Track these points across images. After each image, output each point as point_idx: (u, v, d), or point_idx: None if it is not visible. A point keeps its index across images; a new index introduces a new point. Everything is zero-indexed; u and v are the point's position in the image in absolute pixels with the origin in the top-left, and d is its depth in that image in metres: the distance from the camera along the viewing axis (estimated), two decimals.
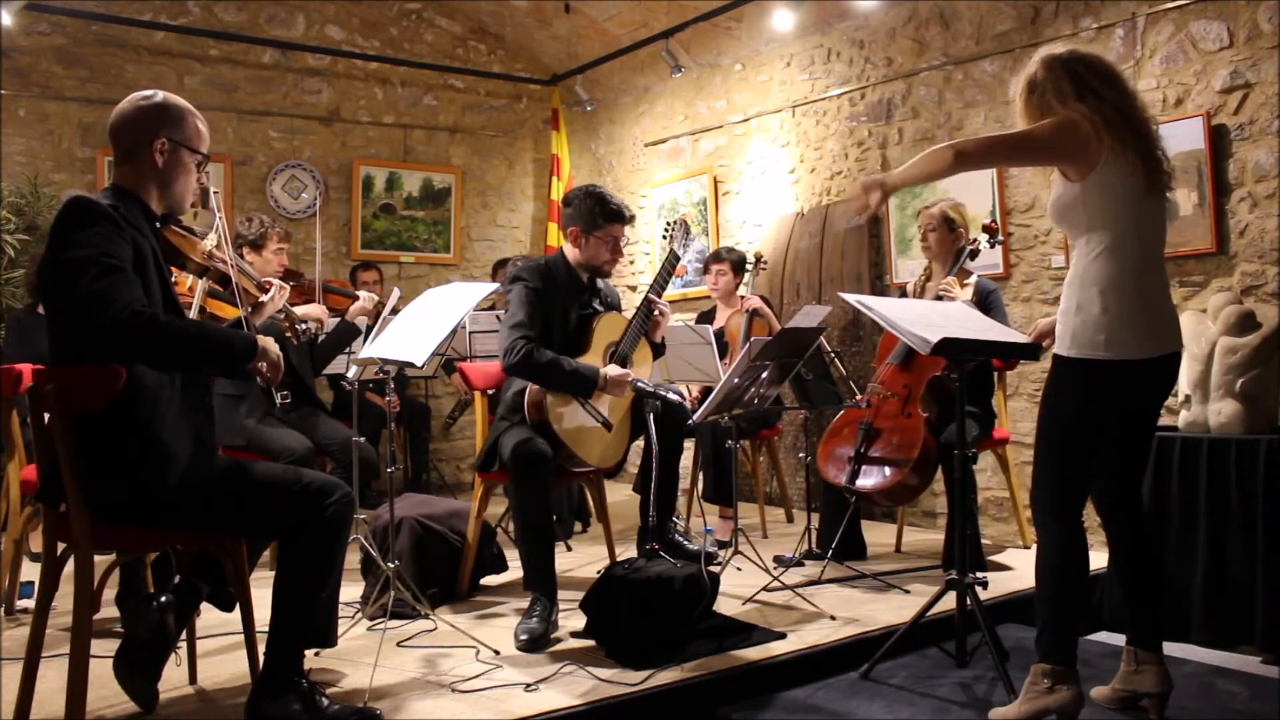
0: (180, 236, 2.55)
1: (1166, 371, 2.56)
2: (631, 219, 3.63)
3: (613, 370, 3.42)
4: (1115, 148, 2.44)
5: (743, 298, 4.97)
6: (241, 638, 2.60)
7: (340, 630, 2.82)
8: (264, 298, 3.20)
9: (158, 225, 2.47)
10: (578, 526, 5.02)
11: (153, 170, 2.41)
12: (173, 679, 2.70)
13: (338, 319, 4.48)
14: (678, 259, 3.71)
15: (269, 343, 2.40)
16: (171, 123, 2.43)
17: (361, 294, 4.45)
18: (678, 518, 3.80)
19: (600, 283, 3.71)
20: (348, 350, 4.45)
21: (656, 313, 3.63)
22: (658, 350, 3.81)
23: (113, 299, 2.14)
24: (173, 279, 2.53)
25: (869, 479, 3.90)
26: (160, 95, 2.47)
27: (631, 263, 7.11)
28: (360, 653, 2.95)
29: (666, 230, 3.80)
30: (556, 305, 3.50)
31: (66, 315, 2.25)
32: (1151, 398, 2.60)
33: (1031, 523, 4.46)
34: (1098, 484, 2.68)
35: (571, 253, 3.60)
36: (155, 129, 2.41)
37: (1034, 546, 4.34)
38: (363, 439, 4.02)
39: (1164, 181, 2.53)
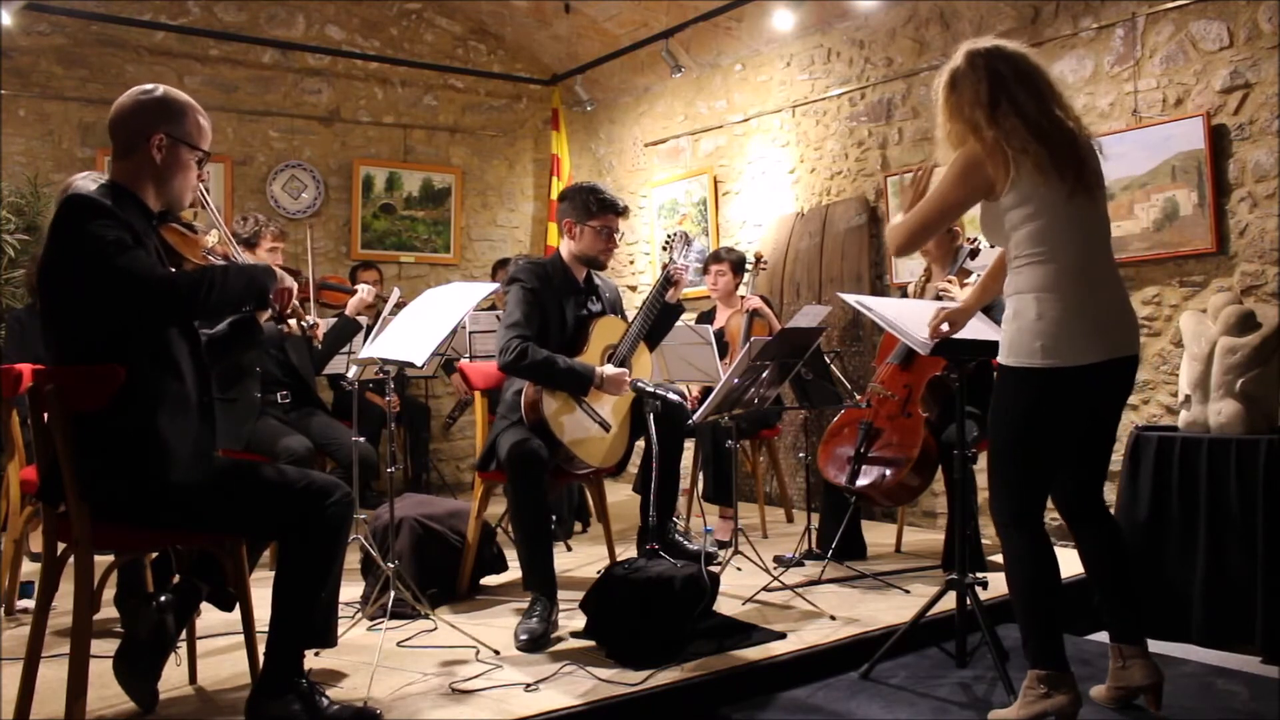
0: (179, 235, 2.52)
1: (1118, 376, 2.51)
2: (625, 210, 3.63)
3: (610, 369, 3.42)
4: (1018, 158, 2.40)
5: (743, 298, 4.97)
6: (241, 638, 2.61)
7: (340, 630, 2.82)
8: None
9: (154, 224, 2.44)
10: (578, 526, 5.02)
11: (150, 167, 2.38)
12: (173, 679, 2.70)
13: (336, 316, 4.48)
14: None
15: (282, 270, 2.47)
16: (171, 118, 2.39)
17: (360, 288, 4.41)
18: (678, 518, 3.80)
19: (598, 280, 3.71)
20: (347, 350, 4.44)
21: (674, 272, 3.60)
22: (674, 314, 3.75)
23: (144, 271, 2.20)
24: None
25: (869, 479, 3.90)
26: (160, 90, 2.44)
27: (631, 262, 7.11)
28: (360, 653, 2.95)
29: (667, 242, 3.80)
30: (554, 306, 3.50)
31: (101, 296, 2.23)
32: (1104, 403, 2.56)
33: None
34: (1059, 491, 2.67)
35: (567, 248, 3.60)
36: (154, 124, 2.37)
37: None
38: (363, 439, 4.02)
39: (1090, 182, 2.48)
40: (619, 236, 3.63)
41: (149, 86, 2.45)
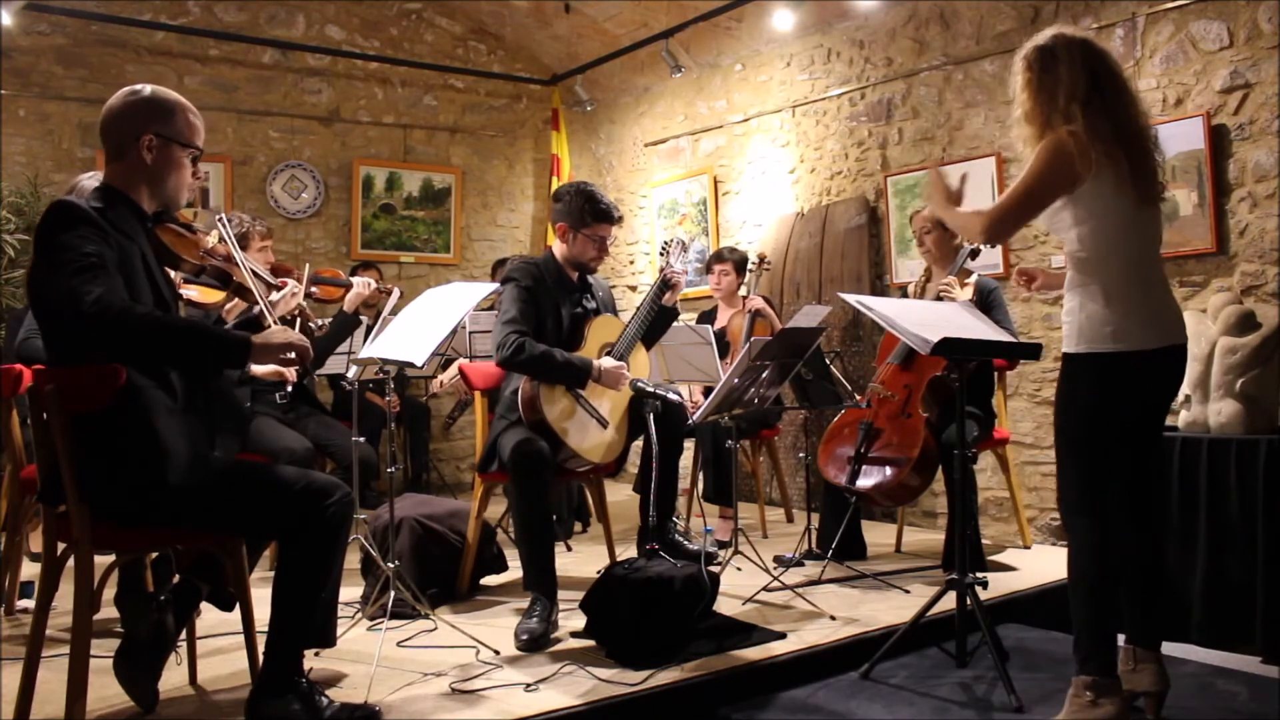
0: (175, 235, 2.47)
1: (1174, 363, 2.54)
2: (620, 220, 3.63)
3: (608, 361, 3.42)
4: (1101, 160, 2.43)
5: (744, 298, 4.97)
6: (241, 638, 2.61)
7: (340, 630, 2.82)
8: (274, 296, 3.02)
9: (150, 225, 2.41)
10: (578, 526, 5.02)
11: (142, 168, 2.35)
12: (173, 679, 2.70)
13: (335, 315, 4.45)
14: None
15: (278, 333, 2.29)
16: (160, 117, 2.35)
17: (355, 280, 4.21)
18: (678, 518, 3.80)
19: (591, 280, 3.72)
20: (347, 349, 4.41)
21: (672, 275, 3.60)
22: (669, 317, 3.75)
23: (86, 292, 2.09)
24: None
25: (869, 479, 3.90)
26: (148, 89, 2.39)
27: (631, 262, 7.11)
28: (360, 653, 2.95)
29: (664, 248, 3.81)
30: (549, 304, 3.51)
31: (46, 314, 2.21)
32: (1161, 391, 2.57)
33: (1031, 523, 4.48)
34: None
35: (560, 249, 3.61)
36: (143, 124, 2.33)
37: (1033, 547, 4.37)
38: (363, 439, 4.02)
39: (1157, 193, 2.52)
40: (611, 243, 3.65)
41: (137, 87, 2.40)
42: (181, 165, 2.40)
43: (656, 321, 3.68)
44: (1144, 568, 2.62)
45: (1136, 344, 2.46)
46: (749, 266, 5.08)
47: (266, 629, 2.39)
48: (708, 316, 5.19)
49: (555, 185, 7.11)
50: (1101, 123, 2.44)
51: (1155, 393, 2.56)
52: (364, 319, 4.35)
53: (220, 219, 2.60)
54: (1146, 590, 2.61)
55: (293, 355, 2.28)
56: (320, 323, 3.50)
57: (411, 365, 3.13)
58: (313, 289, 3.94)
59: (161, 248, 2.40)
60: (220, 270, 2.59)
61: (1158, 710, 2.58)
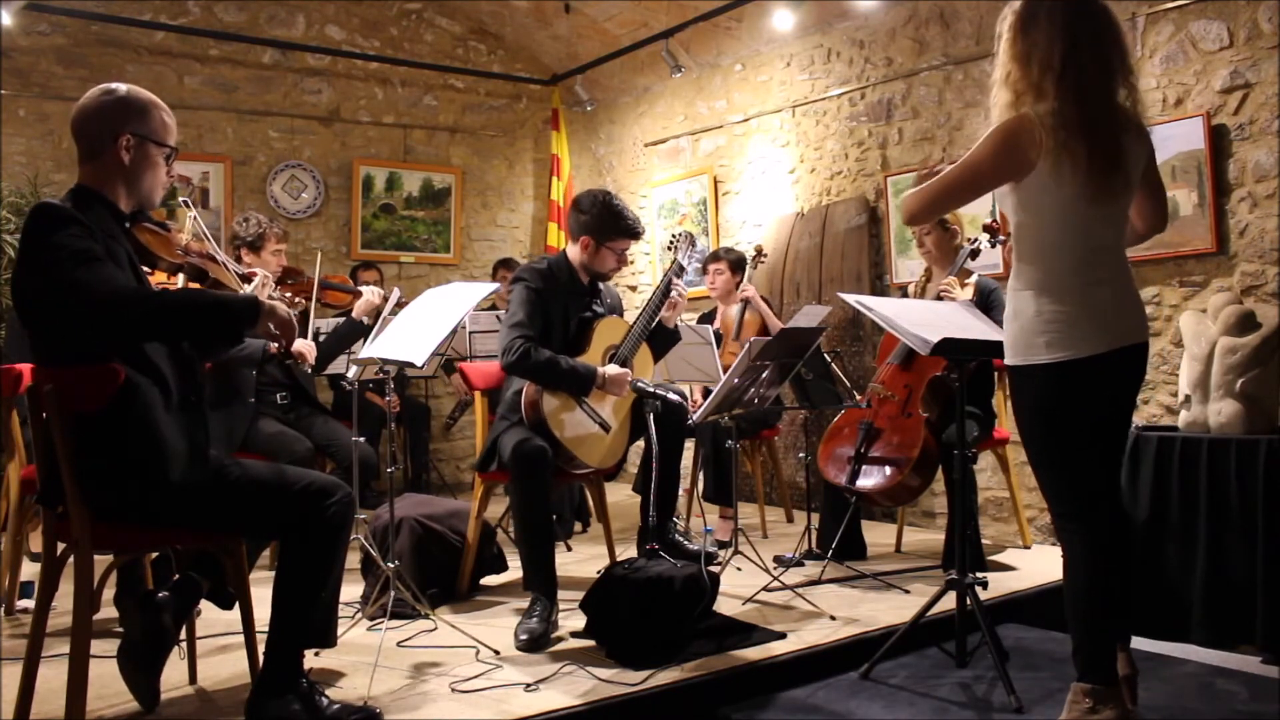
0: (151, 234, 2.47)
1: (1128, 365, 2.38)
2: (642, 234, 3.68)
3: (612, 369, 3.43)
4: (1053, 152, 2.23)
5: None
6: (241, 638, 2.60)
7: (340, 630, 2.82)
8: (246, 289, 2.96)
9: (127, 226, 2.41)
10: (578, 526, 5.02)
11: (119, 168, 2.34)
12: (173, 679, 2.69)
13: (340, 317, 4.46)
14: (682, 269, 3.72)
15: (275, 302, 2.32)
16: (136, 117, 2.35)
17: (365, 289, 4.29)
18: (678, 518, 3.80)
19: (601, 285, 3.73)
20: (347, 350, 4.42)
21: (675, 294, 3.63)
22: (669, 340, 3.79)
23: (91, 282, 2.11)
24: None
25: (869, 479, 3.90)
26: (123, 89, 2.38)
27: (631, 262, 7.10)
28: (360, 653, 2.95)
29: (672, 241, 3.82)
30: (557, 307, 3.51)
31: (48, 311, 2.20)
32: (1117, 393, 2.42)
33: (1031, 523, 4.48)
34: None
35: (576, 255, 3.61)
36: (119, 124, 2.33)
37: (1033, 547, 4.37)
38: (363, 439, 4.02)
39: (1116, 187, 2.29)
40: (628, 254, 3.69)
41: (110, 86, 2.39)
42: (157, 164, 2.40)
43: (657, 338, 3.69)
44: (1119, 566, 2.60)
45: (1074, 351, 2.30)
46: (745, 265, 5.09)
47: (266, 629, 2.39)
48: (707, 317, 5.19)
49: (555, 185, 7.14)
50: (1069, 106, 2.23)
51: (1110, 397, 2.40)
52: (364, 320, 4.37)
53: (188, 206, 2.60)
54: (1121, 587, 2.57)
55: (276, 329, 2.30)
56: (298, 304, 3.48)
57: (411, 365, 3.13)
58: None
59: (140, 247, 2.40)
60: (196, 268, 2.59)
61: (1133, 697, 2.52)
